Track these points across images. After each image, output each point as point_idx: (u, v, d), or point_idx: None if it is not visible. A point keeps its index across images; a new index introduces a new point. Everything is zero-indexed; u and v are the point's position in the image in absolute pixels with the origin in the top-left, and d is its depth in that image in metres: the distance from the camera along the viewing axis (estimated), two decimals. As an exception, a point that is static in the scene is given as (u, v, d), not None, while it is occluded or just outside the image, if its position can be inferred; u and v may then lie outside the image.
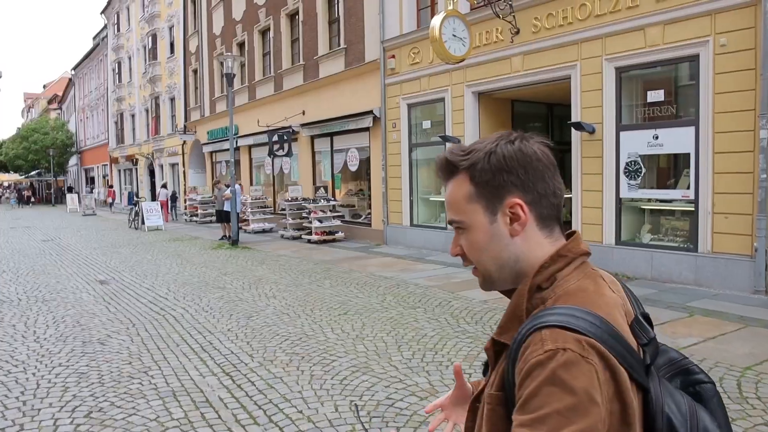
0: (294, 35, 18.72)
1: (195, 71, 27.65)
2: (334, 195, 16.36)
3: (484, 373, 1.16)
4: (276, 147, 17.09)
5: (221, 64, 23.15)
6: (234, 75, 15.13)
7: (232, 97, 15.37)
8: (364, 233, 15.25)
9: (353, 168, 15.71)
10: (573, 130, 10.16)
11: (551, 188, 1.06)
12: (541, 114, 13.88)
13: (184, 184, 28.92)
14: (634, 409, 0.94)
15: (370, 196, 15.91)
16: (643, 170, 9.34)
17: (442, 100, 12.63)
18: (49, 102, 71.21)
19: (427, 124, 13.26)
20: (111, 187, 44.15)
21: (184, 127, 28.30)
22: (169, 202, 26.15)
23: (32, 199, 52.90)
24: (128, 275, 11.21)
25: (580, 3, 9.95)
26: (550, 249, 1.06)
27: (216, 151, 25.32)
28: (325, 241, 15.02)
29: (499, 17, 10.68)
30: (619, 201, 9.69)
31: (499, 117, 12.55)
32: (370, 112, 14.28)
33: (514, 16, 10.77)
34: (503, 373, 1.01)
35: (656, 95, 9.22)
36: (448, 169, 1.10)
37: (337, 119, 15.58)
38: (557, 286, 1.02)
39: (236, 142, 21.95)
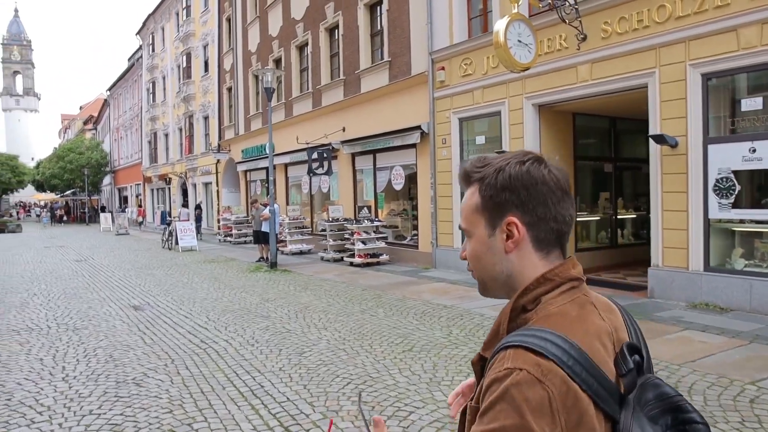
0: (333, 50, 18.08)
1: (229, 89, 27.28)
2: (376, 215, 15.52)
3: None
4: (315, 165, 16.36)
5: (256, 78, 22.88)
6: (273, 89, 14.49)
7: (270, 112, 14.70)
8: (410, 256, 14.35)
9: (398, 187, 14.87)
10: (651, 144, 9.16)
11: (552, 213, 1.09)
12: (604, 128, 12.90)
13: (218, 204, 28.42)
14: None
15: (415, 216, 15.04)
16: (737, 188, 8.30)
17: (498, 113, 11.75)
18: (85, 123, 72.31)
19: (480, 140, 12.37)
20: (140, 206, 44.16)
21: (218, 145, 27.89)
22: (194, 221, 25.59)
23: (64, 218, 53.32)
24: (163, 300, 10.47)
25: (658, 4, 9.02)
26: (542, 271, 1.10)
27: (251, 170, 24.76)
28: (368, 264, 14.15)
29: (565, 22, 9.81)
30: (707, 222, 8.64)
31: (560, 131, 11.62)
32: (418, 127, 13.46)
33: (580, 21, 9.89)
34: (480, 387, 1.04)
35: (752, 103, 8.20)
36: (465, 178, 1.17)
37: (381, 135, 14.80)
38: (540, 309, 1.06)
39: (272, 160, 21.36)
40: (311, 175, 16.93)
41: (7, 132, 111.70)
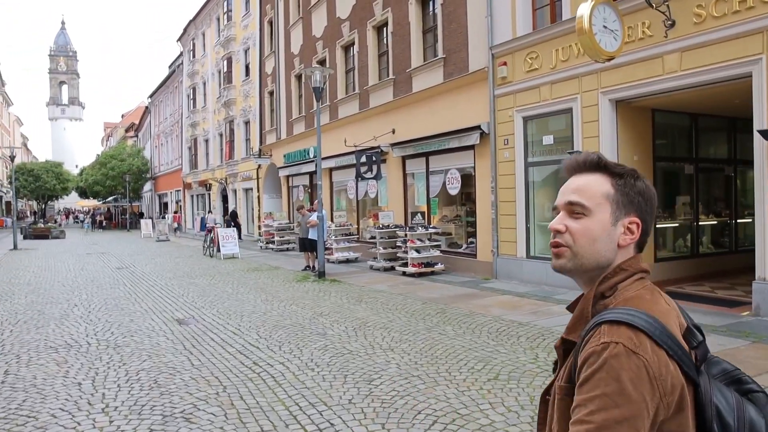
0: (381, 48, 17.28)
1: (271, 93, 26.76)
2: (429, 222, 14.59)
3: (554, 370, 1.30)
4: (364, 169, 15.54)
5: (299, 80, 22.26)
6: (322, 89, 13.71)
7: (319, 113, 13.94)
8: (467, 265, 13.39)
9: (453, 191, 13.94)
10: (757, 140, 8.05)
11: (650, 229, 1.27)
12: (684, 126, 11.74)
13: (258, 210, 27.90)
14: (685, 397, 1.09)
15: (471, 222, 14.07)
16: None
17: (569, 111, 10.73)
18: (127, 130, 73.33)
19: (548, 140, 11.36)
20: (177, 212, 44.20)
21: (259, 150, 27.37)
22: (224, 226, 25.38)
23: (104, 224, 53.88)
24: (209, 313, 9.74)
25: (765, -18, 7.92)
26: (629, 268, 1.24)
27: (293, 175, 24.11)
28: (422, 274, 13.23)
29: (652, 6, 8.76)
30: (828, 231, 7.49)
31: (638, 129, 10.54)
32: (477, 127, 12.52)
33: (668, 6, 8.82)
34: (571, 367, 1.16)
35: None
36: (594, 166, 1.27)
37: (435, 137, 13.90)
38: (618, 294, 1.20)
39: (317, 164, 20.66)
40: (359, 179, 16.10)
41: (53, 140, 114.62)
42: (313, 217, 14.41)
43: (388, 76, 16.63)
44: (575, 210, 1.24)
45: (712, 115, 11.73)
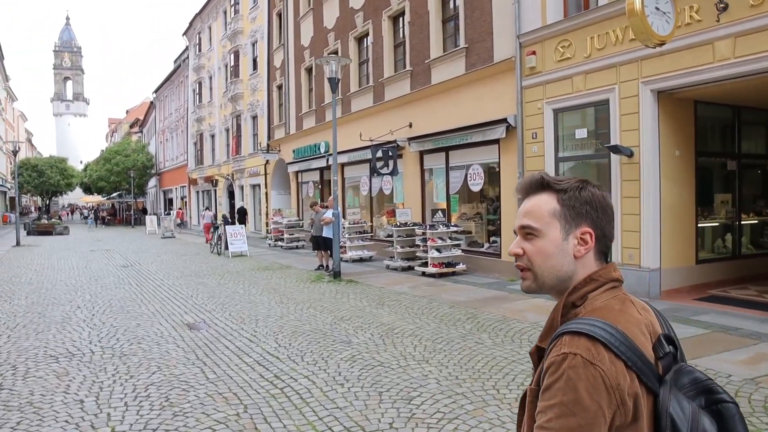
0: (398, 39, 16.58)
1: (279, 87, 26.08)
2: (449, 219, 13.91)
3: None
4: (380, 165, 14.86)
5: (309, 73, 21.55)
6: (338, 79, 13.04)
7: (335, 105, 13.25)
8: (490, 265, 12.70)
9: (476, 188, 13.24)
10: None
11: (610, 233, 1.31)
12: (727, 118, 11.02)
13: (266, 206, 27.24)
14: (640, 407, 1.14)
15: (492, 220, 13.40)
16: None
17: (606, 102, 10.02)
18: (131, 126, 72.74)
19: (581, 134, 10.66)
20: (180, 208, 43.61)
21: (267, 146, 26.71)
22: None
23: (106, 220, 53.41)
24: (220, 316, 9.09)
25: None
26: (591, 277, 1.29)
27: (302, 171, 23.43)
28: (443, 275, 12.56)
29: (703, -12, 8.06)
30: None
31: (679, 122, 9.83)
32: (503, 120, 11.82)
33: (721, -12, 8.12)
34: (540, 372, 1.21)
35: None
36: (539, 186, 1.32)
37: (457, 131, 13.20)
38: (587, 304, 1.24)
39: (328, 160, 20.01)
40: (374, 175, 15.41)
41: (58, 136, 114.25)
42: (328, 214, 13.74)
43: (404, 67, 15.93)
44: (528, 232, 1.30)
45: (757, 108, 11.02)
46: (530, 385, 1.26)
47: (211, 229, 22.34)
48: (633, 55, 9.40)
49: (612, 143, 9.66)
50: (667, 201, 9.55)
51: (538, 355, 1.28)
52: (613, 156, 9.78)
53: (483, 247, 13.52)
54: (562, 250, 1.27)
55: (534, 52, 11.33)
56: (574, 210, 1.27)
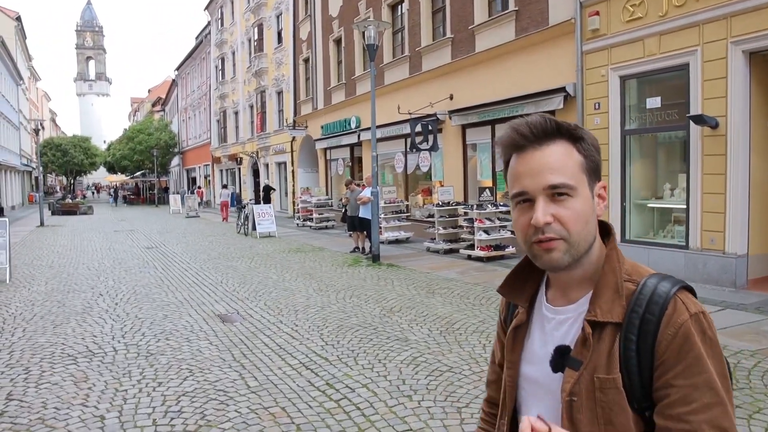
0: (437, 5, 15.40)
1: (306, 60, 25.01)
2: (495, 198, 12.86)
3: (559, 368, 1.09)
4: (419, 140, 13.82)
5: (338, 44, 20.44)
6: (377, 46, 11.97)
7: (373, 74, 12.19)
8: (543, 249, 11.66)
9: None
10: None
11: None
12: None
13: (293, 184, 26.37)
14: None
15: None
16: None
17: (684, 67, 8.84)
18: (153, 104, 72.32)
19: (653, 103, 9.49)
20: (200, 187, 43.11)
21: (294, 122, 25.72)
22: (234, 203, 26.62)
23: (127, 198, 53.25)
24: (255, 306, 8.23)
25: None
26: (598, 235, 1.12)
27: (331, 148, 22.45)
28: (491, 258, 11.56)
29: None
30: None
31: (771, 88, 8.63)
32: (561, 89, 10.69)
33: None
34: (620, 352, 1.02)
35: None
36: (550, 132, 1.07)
37: (505, 102, 12.09)
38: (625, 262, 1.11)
39: (359, 135, 19.03)
40: (414, 150, 14.38)
41: (81, 116, 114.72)
42: (365, 193, 12.79)
43: (444, 35, 14.78)
44: (560, 193, 1.05)
45: None
46: (601, 373, 1.03)
47: (232, 208, 21.66)
48: (721, 11, 8.21)
49: (694, 113, 8.52)
50: (758, 178, 8.41)
51: (599, 329, 1.05)
52: (693, 128, 8.63)
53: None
54: (593, 210, 1.08)
55: (597, 13, 10.15)
56: (593, 161, 1.09)
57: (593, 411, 1.04)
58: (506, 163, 1.13)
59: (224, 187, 31.56)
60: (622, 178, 9.95)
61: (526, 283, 1.23)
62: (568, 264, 1.07)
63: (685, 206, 8.96)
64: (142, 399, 4.73)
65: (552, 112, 11.01)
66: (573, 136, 1.08)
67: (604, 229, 1.16)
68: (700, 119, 8.33)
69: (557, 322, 1.14)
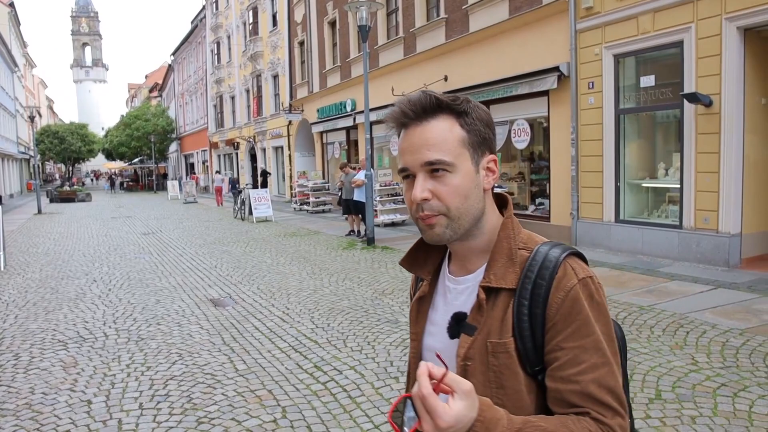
0: (430, -15, 15.23)
1: (301, 43, 24.81)
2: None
3: (455, 334, 1.11)
4: (413, 121, 13.71)
5: (332, 26, 20.27)
6: (369, 28, 11.85)
7: (366, 57, 12.08)
8: (538, 230, 11.28)
9: (521, 144, 12.09)
10: None
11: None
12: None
13: (290, 169, 26.31)
14: None
15: (537, 181, 12.29)
16: None
17: (678, 44, 8.75)
18: (150, 90, 71.94)
19: (647, 82, 9.41)
20: (194, 173, 43.08)
21: (290, 105, 25.60)
22: (229, 188, 27.29)
23: (124, 185, 53.26)
24: (248, 290, 8.23)
25: None
26: (494, 207, 1.14)
27: (327, 131, 22.36)
28: (486, 241, 11.52)
29: None
30: None
31: (765, 65, 8.54)
32: (554, 69, 10.59)
33: None
34: (513, 317, 1.04)
35: None
36: (431, 107, 1.06)
37: (499, 83, 12.00)
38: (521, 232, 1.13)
39: (355, 118, 18.94)
40: (408, 133, 14.29)
41: (79, 103, 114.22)
42: (359, 176, 12.75)
43: (438, 15, 14.64)
44: (437, 168, 1.05)
45: None
46: (495, 338, 1.05)
47: (229, 193, 21.72)
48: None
49: (687, 91, 8.44)
50: (751, 157, 8.35)
51: (492, 294, 1.07)
52: (687, 106, 8.56)
53: (528, 210, 12.43)
54: (477, 185, 1.08)
55: (591, -10, 10.03)
56: (478, 135, 1.08)
57: (486, 375, 1.05)
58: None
59: (218, 173, 31.91)
60: (616, 158, 9.89)
61: (428, 256, 1.24)
62: (451, 238, 1.08)
63: (679, 185, 8.91)
64: (130, 383, 4.74)
65: (546, 92, 11.00)
66: (455, 110, 1.07)
67: (502, 200, 1.17)
68: (693, 97, 8.26)
69: (457, 292, 1.15)
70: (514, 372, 1.04)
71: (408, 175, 1.09)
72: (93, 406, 4.31)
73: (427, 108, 1.07)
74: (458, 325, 1.11)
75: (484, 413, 0.92)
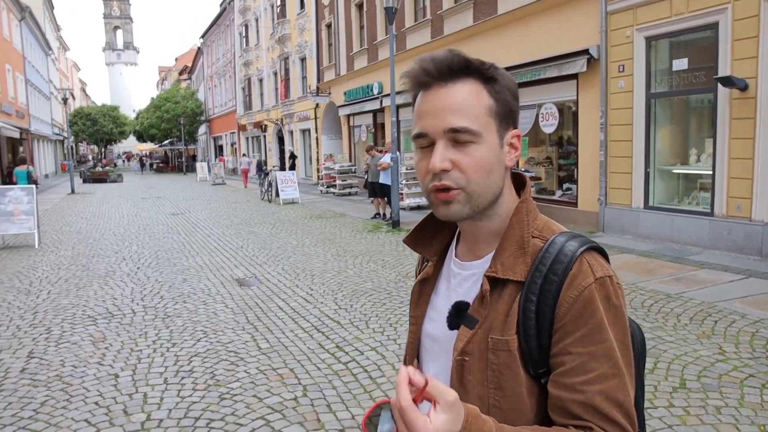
0: (459, -35, 15.02)
1: (329, 26, 24.74)
2: (517, 164, 12.67)
3: (454, 325, 1.02)
4: (440, 104, 13.61)
5: (360, 8, 20.16)
6: (396, 9, 11.75)
7: (392, 39, 12.01)
8: (565, 215, 11.47)
9: (549, 129, 11.93)
10: None
11: None
12: None
13: (317, 151, 26.39)
14: None
15: (564, 165, 12.13)
16: None
17: (714, 26, 8.51)
18: (180, 73, 72.57)
19: (680, 65, 9.17)
20: (221, 156, 43.52)
21: (317, 88, 25.61)
22: (255, 170, 28.10)
23: (153, 166, 54.16)
24: (273, 271, 8.32)
25: None
26: (512, 187, 1.05)
27: (354, 114, 22.34)
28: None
29: None
30: None
31: (805, 48, 8.25)
32: (584, 51, 10.40)
33: None
34: (519, 312, 0.95)
35: None
36: (458, 68, 0.96)
37: (527, 66, 11.82)
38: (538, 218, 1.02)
39: (381, 101, 18.88)
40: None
41: (111, 85, 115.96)
42: (386, 159, 12.73)
43: (466, -3, 14.45)
44: (461, 138, 0.94)
45: None
46: (498, 334, 0.96)
47: (255, 175, 21.98)
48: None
49: (722, 74, 8.21)
50: (788, 142, 8.11)
51: (499, 286, 0.97)
52: (721, 90, 8.33)
53: (555, 195, 12.30)
54: (500, 160, 0.98)
55: (624, -30, 9.78)
56: (506, 106, 0.98)
57: (483, 373, 0.97)
58: (414, 101, 1.02)
59: (244, 155, 32.33)
60: (647, 143, 9.70)
61: (436, 236, 1.14)
62: (467, 216, 0.98)
63: (711, 172, 8.71)
64: (156, 359, 4.84)
65: (575, 75, 10.81)
66: (484, 75, 0.97)
67: (520, 182, 1.07)
68: (728, 81, 8.03)
69: (462, 278, 1.06)
70: (515, 372, 0.95)
71: (425, 142, 0.98)
72: (120, 379, 4.42)
73: (454, 68, 0.96)
74: (458, 315, 1.02)
75: (470, 426, 0.82)
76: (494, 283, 0.98)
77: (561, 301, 0.92)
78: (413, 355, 1.14)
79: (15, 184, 14.71)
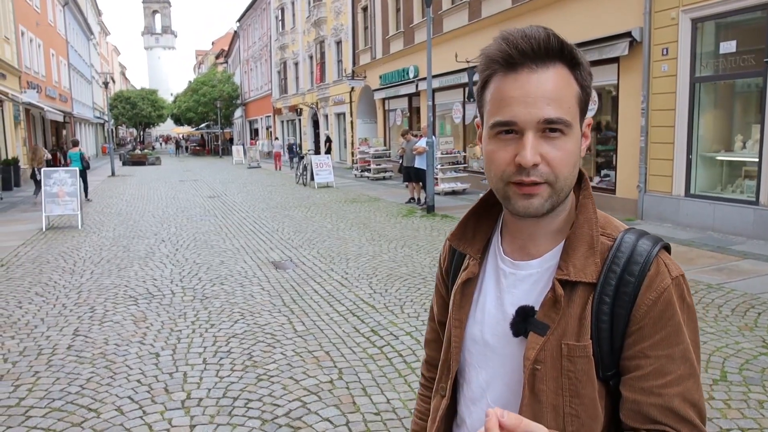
0: (497, -54, 14.74)
1: (365, 9, 24.62)
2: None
3: (521, 332, 0.94)
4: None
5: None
6: (433, -8, 11.62)
7: (430, 22, 11.90)
8: (602, 202, 11.26)
9: (589, 113, 11.64)
10: None
11: None
12: None
13: (352, 135, 26.43)
14: None
15: (602, 151, 11.90)
16: None
17: (764, 6, 8.19)
18: (217, 57, 73.23)
19: (728, 48, 8.87)
20: (252, 139, 43.96)
21: (353, 72, 25.56)
22: (287, 154, 29.46)
23: (188, 149, 55.05)
24: (308, 254, 8.40)
25: None
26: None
27: (390, 98, 22.26)
28: (547, 212, 11.30)
29: None
30: None
31: None
32: (626, 34, 10.13)
33: None
34: (592, 317, 0.90)
35: None
36: (553, 52, 0.87)
37: (567, 48, 11.56)
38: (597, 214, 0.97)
39: (417, 85, 18.76)
40: (471, 100, 14.09)
41: (149, 69, 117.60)
42: (421, 143, 12.67)
43: (505, -22, 14.19)
44: (553, 129, 0.86)
45: None
46: (571, 340, 0.90)
47: (293, 159, 22.17)
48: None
49: (771, 58, 7.93)
50: (840, 128, 7.81)
51: (568, 289, 0.91)
52: (770, 75, 8.05)
53: (592, 181, 12.08)
54: (581, 151, 0.92)
55: (670, -50, 9.48)
56: (587, 93, 0.92)
57: (558, 382, 0.91)
58: (484, 82, 0.93)
59: (276, 139, 32.78)
60: (690, 129, 9.43)
61: (477, 231, 1.07)
62: (547, 211, 0.91)
63: (757, 159, 8.44)
64: (195, 339, 4.96)
65: (616, 59, 10.57)
66: (573, 60, 0.90)
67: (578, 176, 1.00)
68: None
69: (517, 279, 0.98)
70: (591, 379, 0.90)
71: (509, 130, 0.88)
72: (160, 358, 4.54)
73: (549, 51, 0.87)
74: (525, 321, 0.94)
75: None
76: (564, 285, 0.92)
77: (639, 303, 0.89)
78: (457, 360, 1.06)
79: (69, 165, 15.16)
